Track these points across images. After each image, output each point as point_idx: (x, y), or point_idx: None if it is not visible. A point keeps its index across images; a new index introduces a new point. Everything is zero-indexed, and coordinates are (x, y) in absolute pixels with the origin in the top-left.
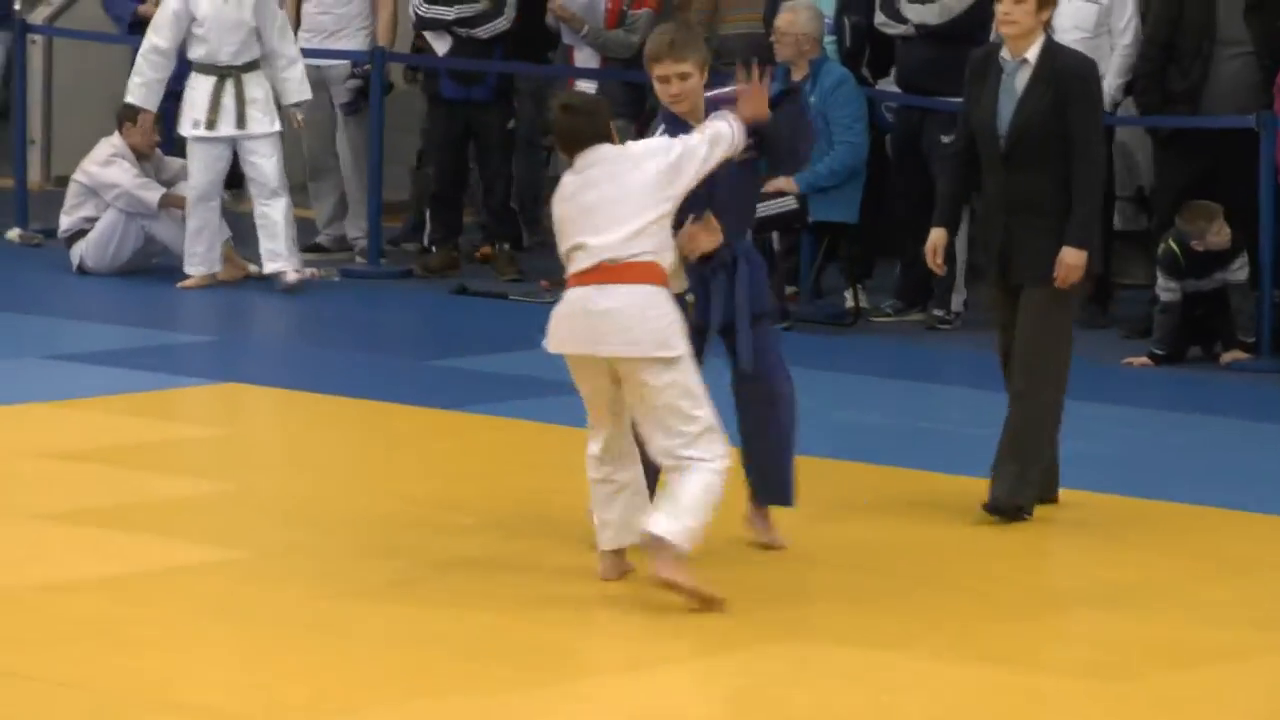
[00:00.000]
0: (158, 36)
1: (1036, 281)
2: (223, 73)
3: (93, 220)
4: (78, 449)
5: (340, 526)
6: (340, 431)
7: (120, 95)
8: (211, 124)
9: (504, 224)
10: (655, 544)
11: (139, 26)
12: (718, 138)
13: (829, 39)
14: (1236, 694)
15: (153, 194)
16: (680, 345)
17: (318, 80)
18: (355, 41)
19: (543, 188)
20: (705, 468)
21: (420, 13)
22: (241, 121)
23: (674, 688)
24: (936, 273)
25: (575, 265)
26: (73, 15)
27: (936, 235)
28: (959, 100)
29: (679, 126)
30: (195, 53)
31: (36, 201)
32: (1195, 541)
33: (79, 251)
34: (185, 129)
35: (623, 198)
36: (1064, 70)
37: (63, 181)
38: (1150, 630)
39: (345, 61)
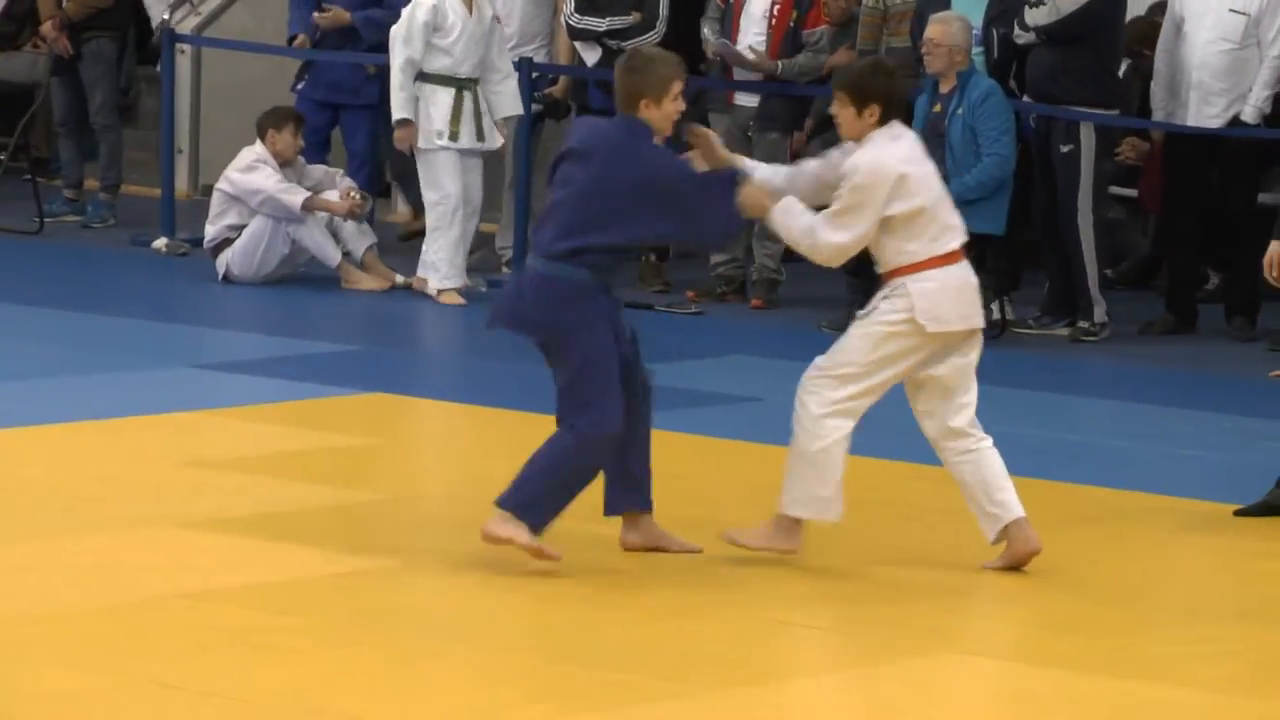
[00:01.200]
0: (410, 49)
1: None
2: (462, 85)
3: (237, 228)
4: (225, 458)
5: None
6: (489, 441)
7: (265, 104)
8: (454, 135)
9: None
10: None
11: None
12: None
13: (976, 50)
14: None
15: (296, 197)
16: None
17: None
18: (535, 58)
19: None
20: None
21: (572, 23)
22: (480, 135)
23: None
24: (1275, 286)
25: (946, 244)
26: (220, 25)
27: (1275, 248)
28: (1079, 109)
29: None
30: (436, 65)
31: (184, 211)
32: None
33: (225, 260)
34: (424, 141)
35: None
36: None
37: (210, 191)
38: None
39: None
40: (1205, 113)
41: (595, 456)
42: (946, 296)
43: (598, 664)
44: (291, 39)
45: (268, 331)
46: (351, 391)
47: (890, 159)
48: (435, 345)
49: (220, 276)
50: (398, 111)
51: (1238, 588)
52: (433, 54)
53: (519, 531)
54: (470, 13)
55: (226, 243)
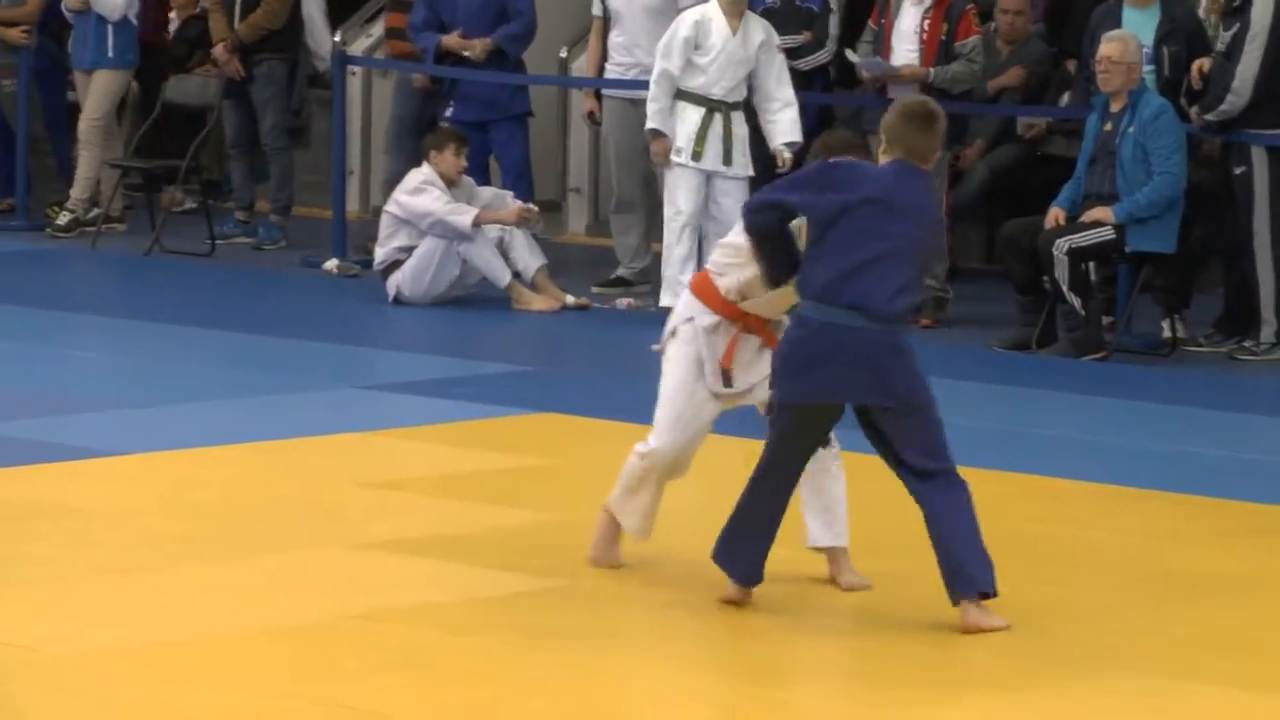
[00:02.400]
0: (668, 62)
1: None
2: (714, 106)
3: (407, 250)
4: (396, 478)
5: (662, 556)
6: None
7: (433, 124)
8: (697, 155)
9: None
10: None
11: (443, 58)
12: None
13: (1148, 69)
14: None
15: (465, 217)
16: None
17: (634, 112)
18: None
19: None
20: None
21: None
22: (727, 158)
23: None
24: None
25: None
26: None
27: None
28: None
29: None
30: (690, 82)
31: (354, 232)
32: None
33: (395, 282)
34: (671, 155)
35: None
36: None
37: (379, 212)
38: None
39: None
40: None
41: None
42: None
43: (776, 684)
44: (438, 57)
45: (438, 352)
46: (522, 412)
47: None
48: (605, 366)
49: (391, 298)
50: (650, 122)
51: None
52: (690, 71)
53: (994, 618)
54: (734, 34)
55: (396, 264)
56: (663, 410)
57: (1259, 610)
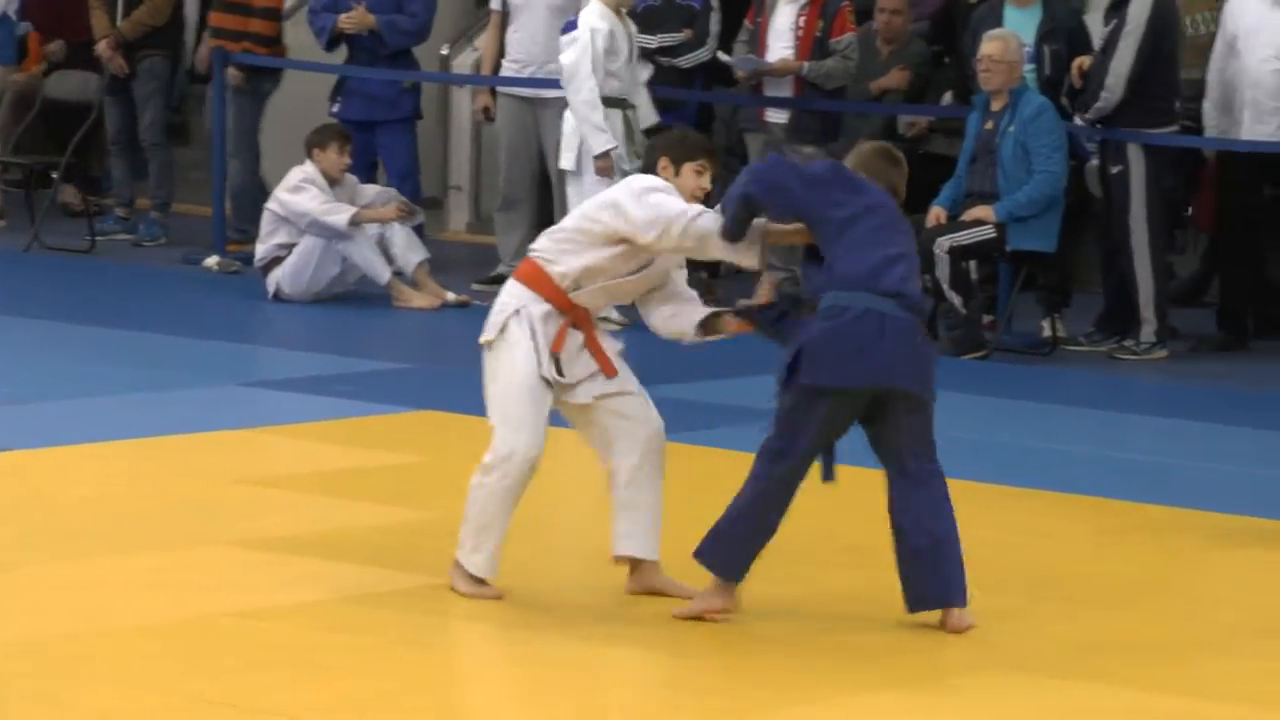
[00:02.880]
0: (595, 79)
1: None
2: (625, 107)
3: (287, 247)
4: (275, 476)
5: (541, 556)
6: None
7: (313, 122)
8: (629, 156)
9: None
10: None
11: (335, 43)
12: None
13: (1029, 67)
14: None
15: (341, 216)
16: None
17: (528, 111)
18: None
19: None
20: None
21: None
22: (638, 153)
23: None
24: None
25: None
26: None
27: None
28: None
29: None
30: (607, 89)
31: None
32: None
33: (275, 279)
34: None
35: None
36: None
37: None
38: None
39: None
40: (1259, 130)
41: None
42: None
43: (670, 688)
44: (331, 41)
45: (318, 349)
46: (402, 409)
47: None
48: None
49: (271, 295)
50: (606, 144)
51: None
52: (606, 80)
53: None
54: (628, 34)
55: (277, 261)
56: (512, 407)
57: (1139, 610)
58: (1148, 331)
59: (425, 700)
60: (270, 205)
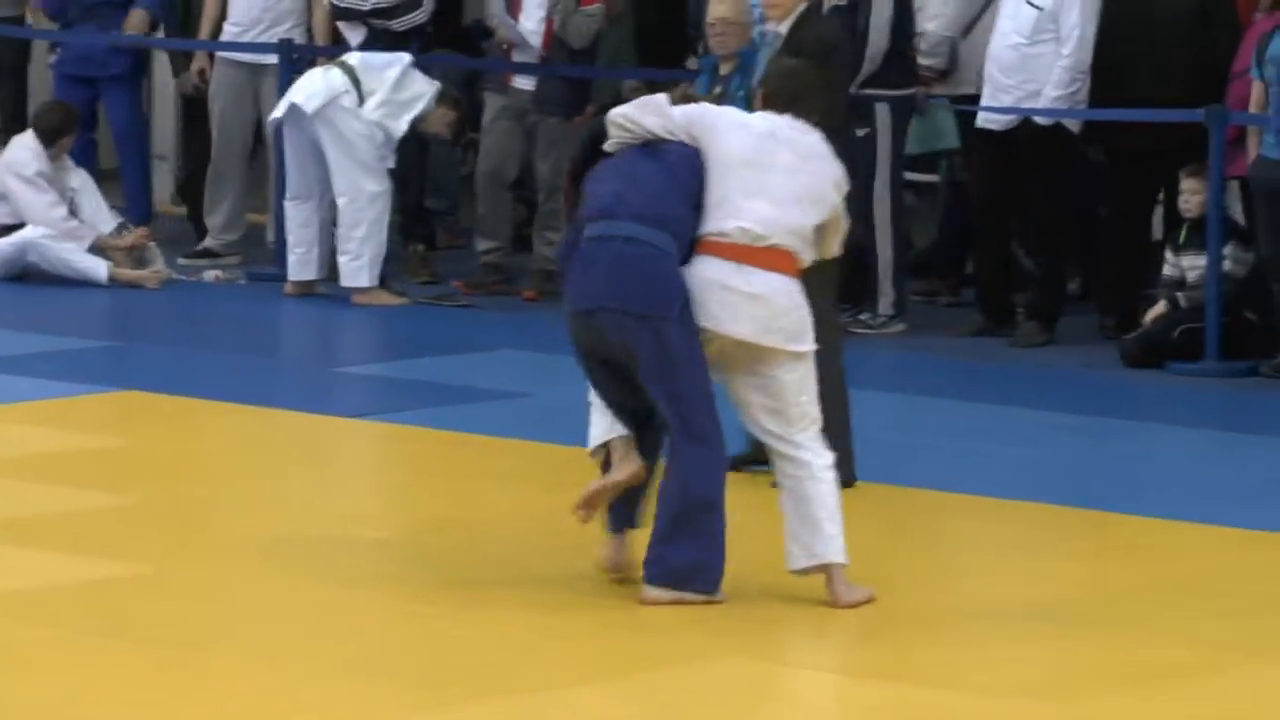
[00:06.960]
0: None
1: None
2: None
3: (3, 229)
4: None
5: (242, 541)
6: (239, 441)
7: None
8: None
9: (417, 224)
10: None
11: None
12: None
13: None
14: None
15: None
16: None
17: (246, 79)
18: (291, 37)
19: (457, 187)
20: None
21: (335, 2)
22: None
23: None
24: None
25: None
26: None
27: None
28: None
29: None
30: None
31: None
32: (1148, 556)
33: None
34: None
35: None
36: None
37: None
38: (1092, 649)
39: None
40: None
41: None
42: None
43: (368, 672)
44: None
45: (18, 327)
46: (105, 389)
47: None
48: (184, 341)
49: None
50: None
51: (1028, 589)
52: None
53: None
54: None
55: None
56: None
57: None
58: (885, 304)
59: (127, 692)
60: None
